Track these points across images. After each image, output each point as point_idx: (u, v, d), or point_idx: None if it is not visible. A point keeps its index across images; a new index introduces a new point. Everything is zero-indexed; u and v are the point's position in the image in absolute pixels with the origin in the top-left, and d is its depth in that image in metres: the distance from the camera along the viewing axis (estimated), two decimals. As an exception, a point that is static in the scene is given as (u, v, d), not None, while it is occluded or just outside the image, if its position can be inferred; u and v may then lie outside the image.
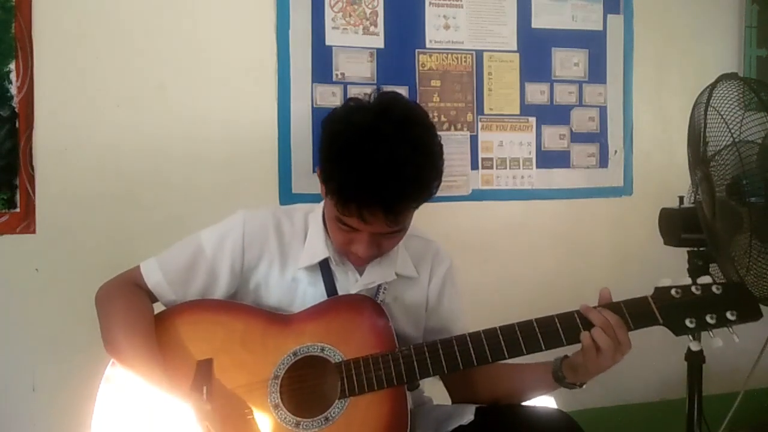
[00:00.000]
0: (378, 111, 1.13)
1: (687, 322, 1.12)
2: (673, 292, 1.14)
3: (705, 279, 1.16)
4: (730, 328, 1.12)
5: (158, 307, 1.27)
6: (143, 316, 1.21)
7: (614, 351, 1.09)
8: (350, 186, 1.09)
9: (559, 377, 1.18)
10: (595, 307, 1.14)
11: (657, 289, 1.16)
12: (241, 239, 1.27)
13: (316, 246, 1.27)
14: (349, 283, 1.27)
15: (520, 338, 1.14)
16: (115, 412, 1.16)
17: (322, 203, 1.33)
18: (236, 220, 1.29)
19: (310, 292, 1.27)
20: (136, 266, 1.28)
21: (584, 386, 1.18)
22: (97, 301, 1.26)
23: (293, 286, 1.27)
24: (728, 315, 1.12)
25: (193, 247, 1.28)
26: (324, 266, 1.27)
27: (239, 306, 1.26)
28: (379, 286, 1.28)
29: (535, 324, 1.15)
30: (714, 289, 1.14)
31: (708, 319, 1.12)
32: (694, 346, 1.18)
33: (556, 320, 1.14)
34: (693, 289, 1.14)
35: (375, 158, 1.07)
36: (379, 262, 1.29)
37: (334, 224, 1.19)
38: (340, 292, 1.27)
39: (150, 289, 1.26)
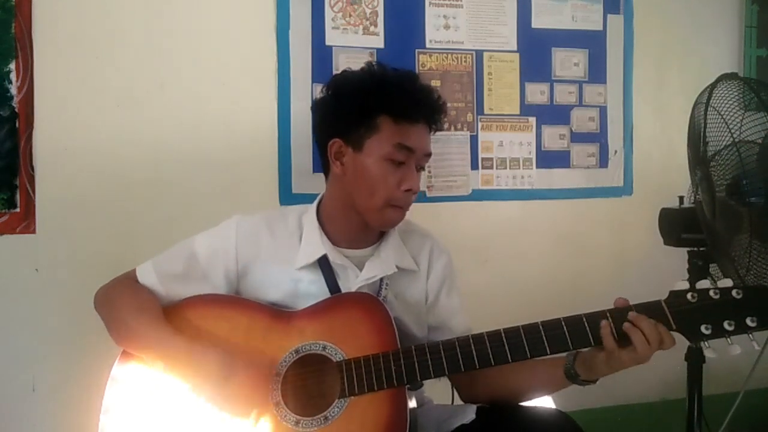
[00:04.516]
0: (372, 62, 1.34)
1: (702, 328, 1.07)
2: (689, 296, 1.09)
3: (726, 282, 1.10)
4: (750, 335, 1.06)
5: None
6: (150, 301, 1.22)
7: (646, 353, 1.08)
8: (409, 92, 1.23)
9: (572, 375, 1.16)
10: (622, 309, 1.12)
11: (672, 292, 1.11)
12: (234, 247, 1.27)
13: (313, 244, 1.28)
14: (350, 278, 1.28)
15: (525, 341, 1.12)
16: (123, 410, 1.16)
17: (314, 203, 1.34)
18: (229, 226, 1.30)
19: (313, 291, 1.27)
20: (131, 270, 1.29)
21: (597, 382, 1.17)
22: (98, 302, 1.26)
23: (294, 286, 1.27)
24: (748, 321, 1.05)
25: (187, 253, 1.28)
26: (324, 264, 1.27)
27: (243, 301, 1.27)
28: (381, 280, 1.28)
29: (540, 327, 1.13)
30: (734, 293, 1.07)
31: (726, 325, 1.06)
32: (709, 353, 1.09)
33: (563, 324, 1.12)
34: (711, 293, 1.08)
35: (405, 72, 1.28)
36: (378, 257, 1.29)
37: (384, 166, 1.23)
38: (343, 289, 1.27)
39: None
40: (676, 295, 1.11)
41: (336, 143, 1.26)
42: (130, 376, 1.18)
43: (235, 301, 1.27)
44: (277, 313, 1.24)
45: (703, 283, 1.11)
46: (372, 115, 1.22)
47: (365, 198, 1.24)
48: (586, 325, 1.11)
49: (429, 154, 1.28)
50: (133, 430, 1.15)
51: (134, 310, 1.20)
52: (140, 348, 1.18)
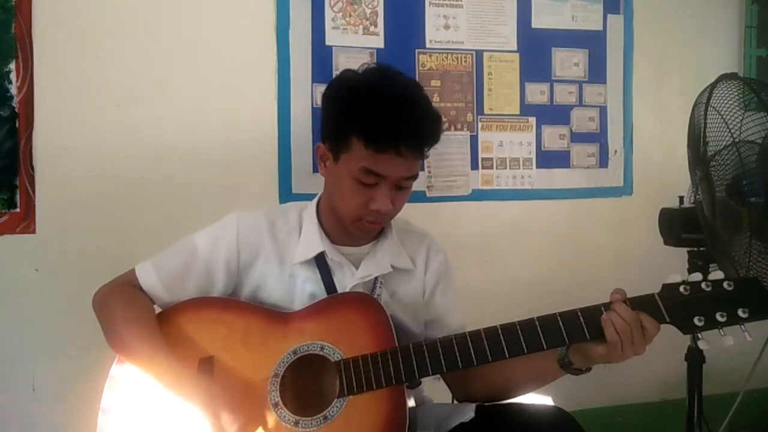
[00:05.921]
0: (378, 66, 1.26)
1: (695, 320, 1.09)
2: (681, 289, 1.10)
3: (716, 275, 1.12)
4: (742, 326, 1.08)
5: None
6: (144, 311, 1.23)
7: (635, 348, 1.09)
8: (383, 118, 1.14)
9: (565, 363, 1.17)
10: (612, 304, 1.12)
11: (665, 285, 1.12)
12: (235, 239, 1.28)
13: (312, 240, 1.28)
14: (346, 276, 1.28)
15: (521, 337, 1.13)
16: (122, 410, 1.16)
17: (315, 199, 1.35)
18: (230, 221, 1.30)
19: (309, 288, 1.27)
20: (131, 269, 1.29)
21: (590, 370, 1.17)
22: (95, 304, 1.27)
23: (291, 282, 1.28)
24: (740, 312, 1.07)
25: (188, 248, 1.29)
26: (320, 261, 1.28)
27: (240, 304, 1.27)
28: (376, 279, 1.29)
29: (536, 322, 1.14)
30: (725, 285, 1.09)
31: (718, 317, 1.08)
32: (703, 345, 1.11)
33: (559, 318, 1.13)
34: (703, 285, 1.10)
35: (394, 93, 1.17)
36: (374, 256, 1.30)
37: (353, 184, 1.20)
38: (338, 286, 1.27)
39: (145, 291, 1.26)
40: (668, 288, 1.12)
41: (321, 148, 1.27)
42: (128, 376, 1.18)
43: (231, 304, 1.27)
44: (274, 314, 1.25)
45: (695, 276, 1.12)
46: (346, 133, 1.19)
47: (339, 208, 1.25)
48: (582, 319, 1.12)
49: (411, 177, 1.22)
50: (132, 430, 1.15)
51: (126, 320, 1.20)
52: (132, 362, 1.18)
